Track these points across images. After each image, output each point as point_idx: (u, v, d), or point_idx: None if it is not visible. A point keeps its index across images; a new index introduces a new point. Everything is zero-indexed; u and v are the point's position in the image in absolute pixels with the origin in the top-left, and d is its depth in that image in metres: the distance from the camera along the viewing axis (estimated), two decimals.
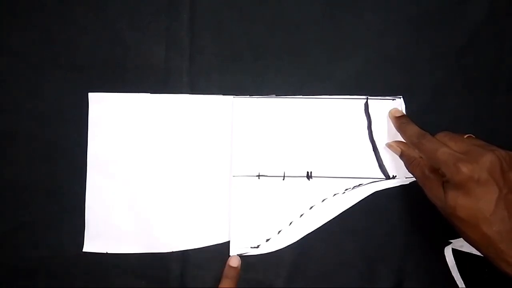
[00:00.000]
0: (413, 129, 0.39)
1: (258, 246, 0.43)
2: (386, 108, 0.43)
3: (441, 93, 0.44)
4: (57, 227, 0.44)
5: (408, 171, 0.40)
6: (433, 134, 0.38)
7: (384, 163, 0.42)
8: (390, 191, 0.43)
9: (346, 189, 0.42)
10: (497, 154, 0.34)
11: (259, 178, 0.43)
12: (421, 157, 0.39)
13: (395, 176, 0.42)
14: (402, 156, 0.41)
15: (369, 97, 0.43)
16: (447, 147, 0.36)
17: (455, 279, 0.42)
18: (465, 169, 0.34)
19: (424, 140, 0.38)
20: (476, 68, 0.44)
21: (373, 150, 0.43)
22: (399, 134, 0.41)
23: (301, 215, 0.43)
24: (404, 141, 0.41)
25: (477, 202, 0.33)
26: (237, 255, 0.42)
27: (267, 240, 0.43)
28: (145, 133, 0.44)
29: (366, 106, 0.43)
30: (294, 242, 0.43)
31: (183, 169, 0.44)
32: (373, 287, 0.43)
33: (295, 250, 0.43)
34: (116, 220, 0.43)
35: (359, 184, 0.42)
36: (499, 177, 0.33)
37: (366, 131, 0.43)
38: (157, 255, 0.43)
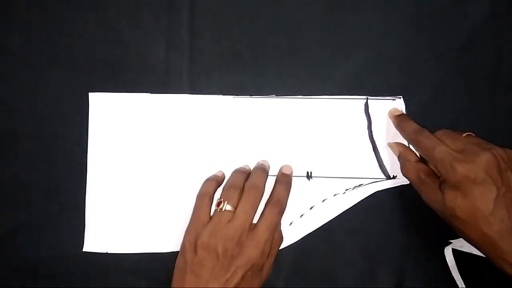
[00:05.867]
0: (412, 125, 0.39)
1: None
2: (386, 108, 0.43)
3: (441, 93, 0.44)
4: (57, 227, 0.44)
5: (402, 174, 0.40)
6: (432, 132, 0.38)
7: (385, 163, 0.42)
8: (390, 191, 0.43)
9: (347, 189, 0.42)
10: (494, 153, 0.34)
11: None
12: (417, 161, 0.39)
13: (395, 176, 0.42)
14: (399, 158, 0.41)
15: (369, 97, 0.43)
16: (444, 145, 0.36)
17: (455, 279, 0.42)
18: (461, 168, 0.33)
19: (421, 136, 0.37)
20: (476, 68, 0.44)
21: (373, 150, 0.43)
22: (399, 134, 0.41)
23: (301, 215, 0.43)
24: (405, 143, 0.41)
25: (475, 202, 0.33)
26: None
27: None
28: (145, 133, 0.44)
29: (366, 106, 0.43)
30: (294, 242, 0.43)
31: (183, 169, 0.43)
32: (373, 287, 0.43)
33: (295, 250, 0.43)
34: (116, 220, 0.43)
35: (360, 184, 0.42)
36: (496, 176, 0.33)
37: (366, 131, 0.43)
38: (157, 255, 0.43)
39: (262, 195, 0.39)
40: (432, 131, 0.38)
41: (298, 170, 0.43)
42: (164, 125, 0.44)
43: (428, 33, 0.44)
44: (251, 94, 0.44)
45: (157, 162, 0.44)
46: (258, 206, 0.39)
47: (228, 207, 0.38)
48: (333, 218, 0.43)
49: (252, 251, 0.36)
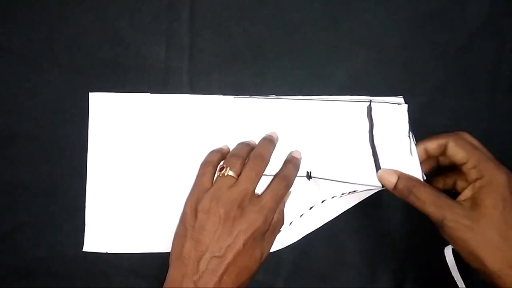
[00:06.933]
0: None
1: None
2: (390, 112, 0.42)
3: (441, 93, 0.44)
4: (57, 227, 0.44)
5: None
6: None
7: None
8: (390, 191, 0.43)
9: (343, 194, 0.41)
10: None
11: None
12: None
13: None
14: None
15: (372, 100, 0.42)
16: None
17: (455, 279, 0.42)
18: None
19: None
20: (476, 68, 0.44)
21: (373, 155, 0.41)
22: (400, 140, 0.40)
23: (301, 215, 0.42)
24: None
25: None
26: None
27: None
28: (145, 133, 0.44)
29: (369, 109, 0.43)
30: (294, 242, 0.43)
31: (183, 169, 0.43)
32: (373, 287, 0.43)
33: (295, 250, 0.43)
34: (116, 220, 0.43)
35: (354, 191, 0.41)
36: None
37: (367, 135, 0.42)
38: (157, 255, 0.43)
39: (267, 166, 0.39)
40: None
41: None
42: (164, 125, 0.44)
43: (428, 33, 0.44)
44: (251, 94, 0.44)
45: (157, 162, 0.44)
46: (261, 175, 0.38)
47: (230, 172, 0.37)
48: (333, 218, 0.43)
49: (254, 216, 0.36)
